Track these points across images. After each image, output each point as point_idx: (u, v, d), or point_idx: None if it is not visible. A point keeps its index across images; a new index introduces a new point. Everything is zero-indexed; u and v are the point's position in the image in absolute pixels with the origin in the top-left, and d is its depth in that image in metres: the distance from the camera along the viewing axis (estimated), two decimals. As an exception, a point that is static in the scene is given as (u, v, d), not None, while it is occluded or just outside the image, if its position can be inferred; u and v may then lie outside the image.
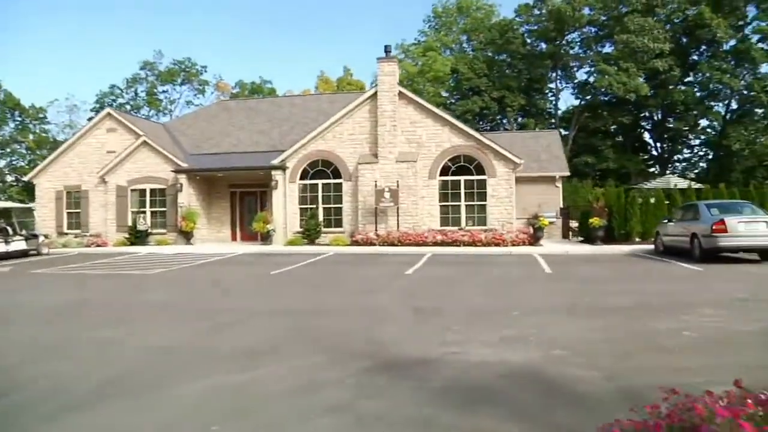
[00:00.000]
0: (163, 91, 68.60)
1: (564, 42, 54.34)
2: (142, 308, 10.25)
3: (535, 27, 55.35)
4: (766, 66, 49.76)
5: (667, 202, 23.24)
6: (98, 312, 10.00)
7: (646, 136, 59.87)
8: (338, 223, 25.33)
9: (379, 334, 7.63)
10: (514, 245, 22.24)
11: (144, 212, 27.38)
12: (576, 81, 57.28)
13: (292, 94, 33.47)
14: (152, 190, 27.91)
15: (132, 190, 28.03)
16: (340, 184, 25.34)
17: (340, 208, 25.34)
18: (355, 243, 23.35)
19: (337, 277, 14.31)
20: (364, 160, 24.66)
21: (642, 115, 56.69)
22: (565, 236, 27.47)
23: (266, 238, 24.95)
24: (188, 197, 26.92)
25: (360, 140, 25.12)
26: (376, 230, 23.81)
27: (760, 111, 49.53)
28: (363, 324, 8.32)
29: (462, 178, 24.46)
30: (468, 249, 21.46)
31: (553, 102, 58.76)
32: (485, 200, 24.24)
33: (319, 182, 25.54)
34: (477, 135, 24.63)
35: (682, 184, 26.70)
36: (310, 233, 24.35)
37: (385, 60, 24.72)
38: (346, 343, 7.06)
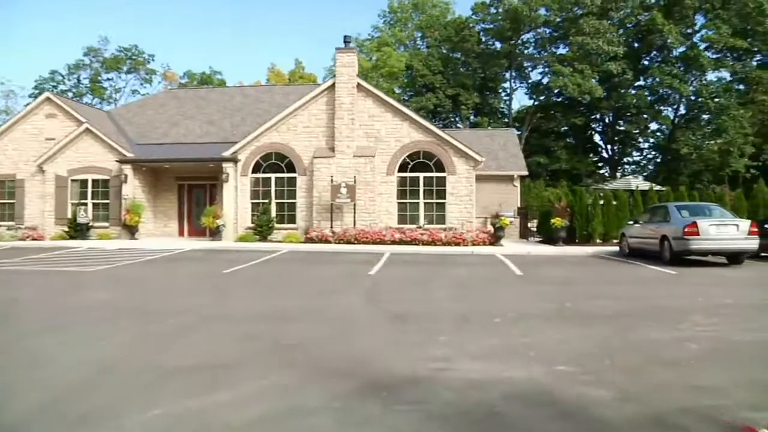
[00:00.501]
0: (108, 79, 66.23)
1: (519, 42, 54.32)
2: (79, 312, 9.08)
3: (491, 26, 55.21)
4: (713, 73, 50.95)
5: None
6: (26, 317, 8.82)
7: (597, 138, 60.56)
8: (292, 219, 24.32)
9: (354, 345, 6.77)
10: (474, 245, 21.65)
11: (85, 204, 25.80)
12: (530, 81, 57.48)
13: (243, 85, 32.17)
14: (95, 181, 26.35)
15: (72, 181, 26.41)
16: (295, 178, 24.34)
17: (294, 203, 24.34)
18: (310, 240, 22.40)
19: (295, 277, 13.37)
20: (319, 154, 23.72)
21: (593, 117, 57.24)
22: (522, 236, 27.10)
23: (216, 233, 23.76)
24: (133, 189, 25.49)
25: (316, 133, 24.17)
26: (331, 227, 22.93)
27: (706, 117, 50.45)
28: (334, 333, 7.44)
29: (421, 175, 23.77)
30: (428, 248, 20.76)
31: (507, 101, 58.74)
32: (445, 198, 23.62)
33: (273, 176, 24.49)
34: (437, 131, 23.97)
35: (644, 185, 26.62)
36: (262, 229, 23.28)
37: (344, 50, 23.82)
38: (319, 357, 6.16)
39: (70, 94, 61.27)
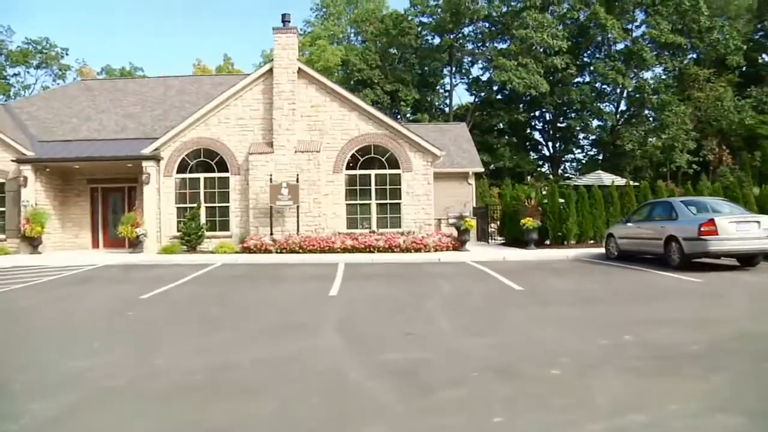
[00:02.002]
0: (15, 75, 60.56)
1: (460, 35, 52.32)
2: None
3: (430, 19, 53.06)
4: (651, 70, 50.30)
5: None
6: None
7: (537, 135, 59.37)
8: (225, 226, 21.12)
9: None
10: (437, 250, 19.07)
11: (-26, 212, 21.86)
12: (471, 77, 55.62)
13: (166, 76, 28.59)
14: (-14, 185, 22.43)
15: (-41, 185, 22.41)
16: (227, 178, 21.15)
17: (227, 207, 21.14)
18: (247, 250, 19.27)
19: (236, 304, 10.26)
20: (256, 149, 20.63)
21: (534, 113, 55.91)
22: (481, 239, 24.66)
23: (136, 244, 20.33)
24: (35, 194, 21.70)
25: (251, 126, 21.06)
26: (271, 234, 19.87)
27: (649, 113, 49.76)
28: (316, 417, 4.59)
29: (372, 172, 21.01)
30: (386, 256, 18.00)
31: (447, 98, 56.65)
32: (400, 198, 20.93)
33: (201, 176, 21.22)
34: (391, 122, 21.24)
35: (619, 181, 24.63)
36: (190, 238, 19.99)
37: (283, 30, 20.78)
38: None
39: (-29, 90, 55.69)
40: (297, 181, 19.98)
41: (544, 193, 22.30)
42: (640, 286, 11.71)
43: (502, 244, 22.99)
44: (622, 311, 8.95)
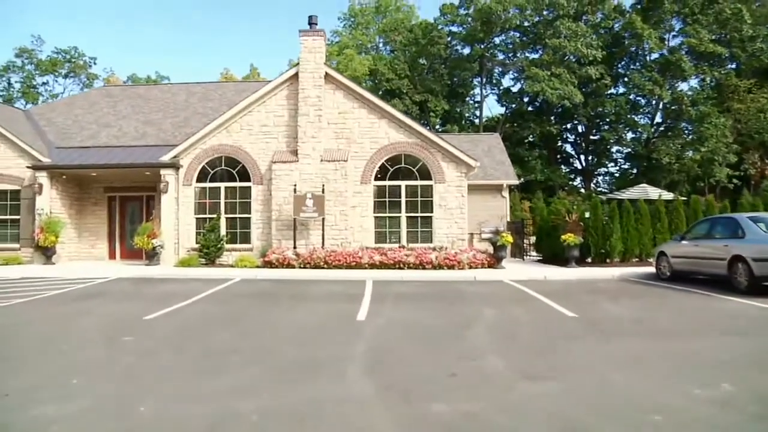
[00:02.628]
0: (44, 83, 60.54)
1: (491, 45, 51.01)
2: None
3: (460, 29, 51.86)
4: (688, 81, 48.47)
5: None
6: None
7: (569, 148, 57.71)
8: (246, 239, 19.99)
9: None
10: (472, 267, 17.72)
11: (-14, 221, 21.03)
12: (501, 88, 54.24)
13: (188, 83, 27.72)
14: (2, 192, 21.60)
15: (-27, 192, 21.61)
16: (249, 188, 20.04)
17: (249, 219, 20.02)
18: (269, 264, 18.10)
19: (248, 330, 8.96)
20: (280, 158, 19.51)
21: (565, 126, 54.27)
22: (516, 255, 23.26)
23: (152, 256, 19.28)
24: (50, 202, 20.81)
25: (275, 134, 19.96)
26: (295, 247, 18.71)
27: (687, 125, 47.89)
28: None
29: (403, 183, 19.76)
30: (416, 273, 16.69)
31: (477, 109, 55.29)
32: (431, 211, 19.64)
33: (222, 185, 20.14)
34: (422, 130, 19.99)
35: (667, 195, 23.05)
36: (209, 251, 18.89)
37: (309, 33, 19.70)
38: None
39: (0, 100, 55.65)
40: (322, 191, 18.83)
41: (578, 206, 20.81)
42: (712, 315, 10.24)
43: (539, 261, 21.59)
44: (704, 348, 7.54)
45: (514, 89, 53.30)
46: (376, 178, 19.75)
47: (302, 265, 17.81)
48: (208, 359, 7.01)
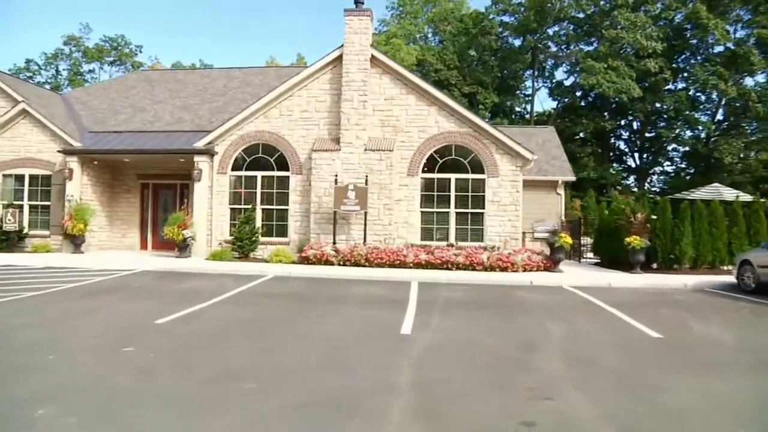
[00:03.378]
0: (90, 71, 60.58)
1: (544, 35, 48.85)
2: None
3: (512, 19, 49.81)
4: (755, 76, 45.48)
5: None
6: None
7: (622, 145, 55.21)
8: (282, 231, 18.68)
9: None
10: (526, 270, 16.06)
11: (14, 206, 20.09)
12: (554, 81, 52.03)
13: (229, 68, 26.52)
14: (33, 177, 20.70)
15: (5, 176, 20.76)
16: (287, 178, 18.72)
17: (286, 210, 18.70)
18: (305, 260, 16.73)
19: (270, 344, 7.38)
20: (321, 146, 18.14)
21: (619, 122, 51.73)
22: (571, 257, 21.41)
23: (183, 248, 18.13)
24: (80, 188, 19.84)
25: (316, 120, 18.59)
26: (334, 243, 17.32)
27: (752, 122, 45.03)
28: None
29: (452, 176, 18.18)
30: (465, 275, 15.11)
31: (528, 102, 53.22)
32: (482, 207, 18.04)
33: (259, 174, 18.85)
34: (476, 119, 18.35)
35: (745, 196, 20.92)
36: (242, 244, 17.62)
37: (355, 13, 18.24)
38: None
39: (47, 87, 55.75)
40: (366, 183, 17.39)
41: (644, 206, 18.85)
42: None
43: (597, 264, 19.79)
44: None
45: (567, 83, 51.16)
46: (424, 170, 18.23)
47: (341, 262, 16.41)
48: (215, 385, 5.59)
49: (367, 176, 17.51)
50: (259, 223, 18.51)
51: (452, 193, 18.10)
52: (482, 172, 18.05)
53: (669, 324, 9.26)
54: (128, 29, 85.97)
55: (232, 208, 18.88)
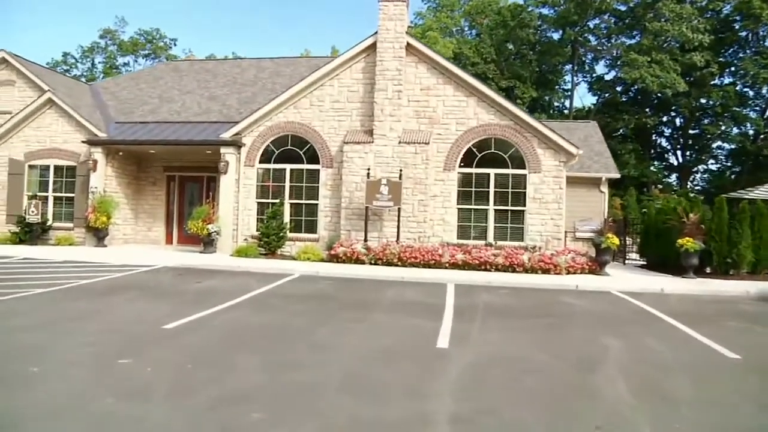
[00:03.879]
0: (125, 64, 60.58)
1: (585, 28, 47.22)
2: None
3: (552, 11, 48.25)
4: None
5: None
6: None
7: (664, 142, 53.23)
8: (311, 227, 17.82)
9: None
10: (570, 273, 14.96)
11: (37, 198, 19.56)
12: (594, 75, 50.35)
13: (260, 58, 25.73)
14: (58, 168, 20.17)
15: (30, 167, 20.27)
16: (317, 171, 17.85)
17: (315, 205, 17.82)
18: (335, 258, 15.83)
19: (289, 359, 6.41)
20: (353, 138, 17.22)
21: (661, 118, 49.79)
22: (615, 258, 20.16)
23: (208, 243, 17.39)
24: (104, 180, 19.25)
25: (348, 111, 17.68)
26: (365, 240, 16.39)
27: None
28: None
29: (492, 172, 17.12)
30: (505, 277, 14.05)
31: (567, 97, 51.63)
32: (523, 204, 16.94)
33: (287, 167, 18.01)
34: (517, 111, 17.23)
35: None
36: (269, 240, 16.78)
37: (391, -3, 17.31)
38: None
39: (83, 79, 55.86)
40: (400, 177, 16.43)
41: (697, 205, 17.54)
42: None
43: (643, 267, 18.59)
44: None
45: (608, 77, 49.42)
46: (462, 165, 17.19)
47: (373, 261, 15.48)
48: (215, 412, 4.68)
49: (401, 170, 16.54)
50: (287, 218, 17.68)
51: (491, 189, 17.04)
52: (523, 167, 16.96)
53: (743, 341, 8.12)
54: (163, 22, 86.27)
55: (259, 202, 18.08)
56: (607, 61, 49.08)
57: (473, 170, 17.15)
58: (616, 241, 15.91)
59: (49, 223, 19.70)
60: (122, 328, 7.58)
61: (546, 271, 14.90)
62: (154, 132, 19.46)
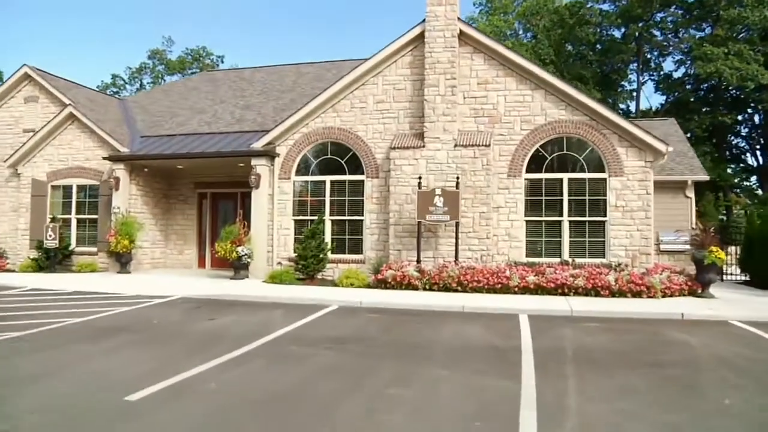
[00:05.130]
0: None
1: (651, 22, 43.88)
2: None
3: (613, 7, 45.10)
4: None
5: None
6: None
7: (741, 142, 49.07)
8: (356, 248, 15.54)
9: None
10: (666, 295, 12.24)
11: (56, 220, 17.85)
12: (661, 73, 46.84)
13: (300, 63, 23.75)
14: (81, 188, 18.55)
15: (53, 188, 18.69)
16: (361, 182, 15.60)
17: (360, 222, 15.56)
18: (382, 283, 13.44)
19: None
20: (401, 143, 14.92)
21: (736, 117, 45.80)
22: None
23: (239, 267, 15.31)
24: (128, 199, 17.47)
25: (395, 112, 15.40)
26: (418, 261, 13.98)
27: None
28: None
29: (565, 177, 14.53)
30: (588, 303, 11.43)
31: (632, 98, 48.18)
32: (603, 214, 14.27)
33: (327, 179, 15.83)
34: (593, 104, 14.57)
35: None
36: (306, 263, 14.53)
37: (440, -22, 14.96)
38: None
39: (131, 100, 55.41)
40: (457, 186, 14.01)
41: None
42: None
43: (746, 284, 15.71)
44: None
45: (677, 74, 45.83)
46: (529, 170, 14.66)
47: (427, 286, 13.05)
48: None
49: (458, 178, 14.12)
50: (327, 237, 15.46)
51: (565, 198, 14.44)
52: (602, 170, 14.32)
53: None
54: (210, 41, 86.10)
55: (296, 220, 15.94)
56: (675, 57, 45.56)
57: (542, 175, 14.59)
58: (722, 255, 13.09)
59: (71, 247, 18.06)
60: (69, 400, 5.38)
61: (637, 294, 12.21)
62: (182, 145, 17.58)
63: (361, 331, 9.03)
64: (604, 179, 14.28)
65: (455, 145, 14.40)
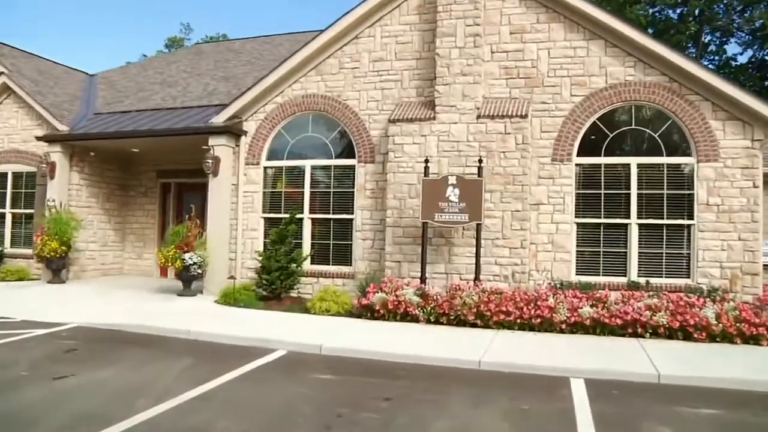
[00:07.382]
0: (188, 71, 57.14)
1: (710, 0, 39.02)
2: None
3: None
4: None
5: None
6: None
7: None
8: (343, 257, 11.57)
9: None
10: (800, 342, 8.01)
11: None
12: (723, 56, 41.94)
13: (299, 32, 19.97)
14: (17, 177, 15.02)
15: (-14, 176, 15.20)
16: (352, 168, 11.62)
17: (350, 222, 11.58)
18: (368, 310, 9.27)
19: None
20: (403, 113, 10.89)
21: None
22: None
23: (188, 280, 11.50)
24: (66, 190, 13.84)
25: (397, 73, 11.38)
26: (422, 279, 9.88)
27: None
28: None
29: (632, 161, 10.28)
30: (677, 354, 7.28)
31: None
32: (689, 216, 10.00)
33: (307, 164, 11.90)
34: (676, 57, 10.27)
35: None
36: (271, 279, 10.52)
37: None
38: None
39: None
40: (479, 174, 9.89)
41: None
42: None
43: None
44: None
45: (742, 59, 40.86)
46: (581, 152, 10.46)
47: (432, 317, 8.93)
48: None
49: (481, 162, 10.00)
50: (306, 242, 11.55)
51: (633, 191, 10.19)
52: (687, 152, 10.06)
53: None
54: (230, 28, 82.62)
55: (267, 218, 12.05)
56: (740, 39, 40.56)
57: (601, 160, 10.37)
58: None
59: (4, 249, 14.53)
60: None
61: (753, 340, 7.97)
62: (134, 123, 13.84)
63: (277, 423, 4.99)
64: (691, 166, 10.02)
65: (478, 117, 10.31)
